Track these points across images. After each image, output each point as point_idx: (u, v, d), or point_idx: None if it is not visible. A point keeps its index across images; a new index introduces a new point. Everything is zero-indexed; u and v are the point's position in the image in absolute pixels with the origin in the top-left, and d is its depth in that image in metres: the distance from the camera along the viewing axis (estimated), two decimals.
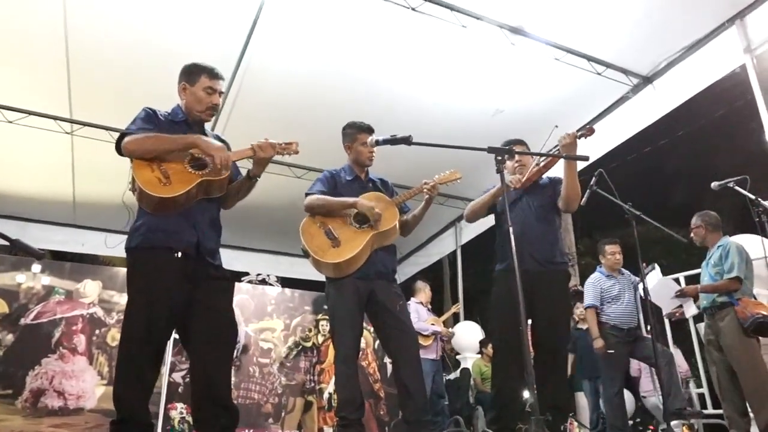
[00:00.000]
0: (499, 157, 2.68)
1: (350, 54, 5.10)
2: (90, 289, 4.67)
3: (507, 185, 3.11)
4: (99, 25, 4.61)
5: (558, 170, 3.45)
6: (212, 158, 2.37)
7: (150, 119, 2.45)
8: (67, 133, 5.80)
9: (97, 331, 4.62)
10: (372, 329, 4.80)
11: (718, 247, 4.15)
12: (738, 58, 4.86)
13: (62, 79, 5.17)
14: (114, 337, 4.64)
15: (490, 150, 2.69)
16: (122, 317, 4.79)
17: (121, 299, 4.80)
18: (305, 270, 9.08)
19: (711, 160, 13.93)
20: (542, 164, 3.39)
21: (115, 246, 6.85)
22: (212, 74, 2.57)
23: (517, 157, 3.47)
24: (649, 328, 4.97)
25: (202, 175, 2.36)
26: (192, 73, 2.57)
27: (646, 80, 5.53)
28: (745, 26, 4.79)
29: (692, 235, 4.36)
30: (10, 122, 5.51)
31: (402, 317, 3.08)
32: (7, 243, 1.85)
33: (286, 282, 8.55)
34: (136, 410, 2.18)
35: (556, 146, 3.20)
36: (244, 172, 2.64)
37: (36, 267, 4.63)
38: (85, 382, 4.38)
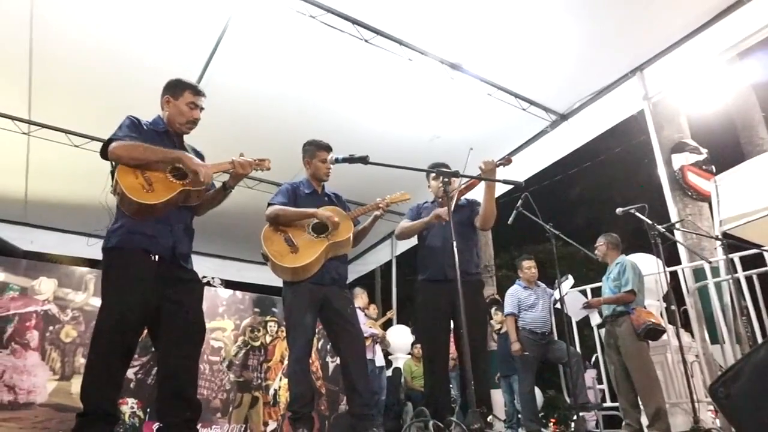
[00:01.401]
0: (446, 179, 2.76)
1: (305, 78, 5.11)
2: (45, 286, 4.37)
3: (439, 217, 3.23)
4: (65, 30, 4.38)
5: (478, 193, 3.58)
6: (196, 174, 2.32)
7: (135, 128, 2.38)
8: (24, 133, 5.45)
9: (50, 328, 4.33)
10: (319, 329, 4.77)
11: (617, 264, 4.42)
12: (638, 104, 5.27)
13: (23, 80, 4.87)
14: (68, 333, 4.36)
15: (438, 172, 2.78)
16: (77, 314, 4.59)
17: (77, 297, 4.54)
18: (252, 274, 8.97)
19: (610, 188, 14.82)
20: (463, 186, 3.52)
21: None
22: (196, 91, 2.54)
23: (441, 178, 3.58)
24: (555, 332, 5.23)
25: (183, 185, 2.31)
26: (176, 88, 2.52)
27: (563, 117, 5.88)
28: (644, 78, 5.21)
29: (596, 251, 4.63)
30: None
31: (352, 320, 3.09)
32: None
33: (233, 285, 8.33)
34: (103, 404, 2.08)
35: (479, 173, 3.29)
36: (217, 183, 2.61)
37: None
38: (36, 377, 4.09)
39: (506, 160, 3.25)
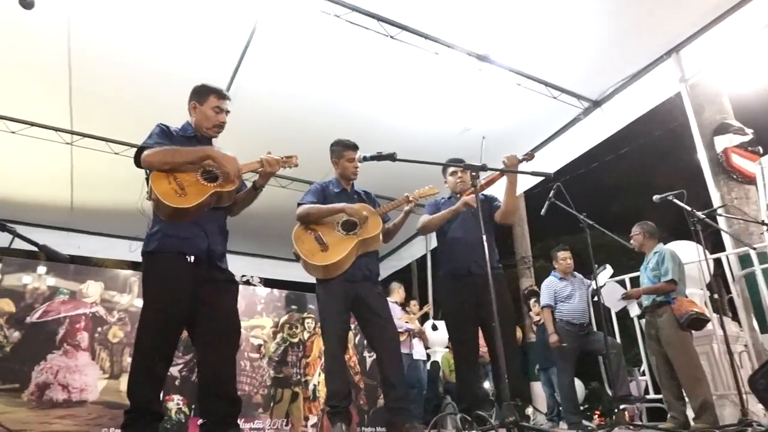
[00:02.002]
0: (474, 173, 2.76)
1: (333, 78, 5.16)
2: (92, 289, 4.59)
3: (468, 204, 3.22)
4: (100, 43, 4.56)
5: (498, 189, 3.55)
6: (225, 169, 2.38)
7: (165, 135, 2.46)
8: (67, 143, 5.69)
9: (99, 329, 4.54)
10: (354, 326, 4.84)
11: (655, 253, 4.31)
12: (674, 87, 5.09)
13: (64, 92, 5.10)
14: (115, 334, 4.58)
15: (466, 167, 2.77)
16: (122, 315, 4.79)
17: (122, 299, 4.75)
18: (287, 272, 9.12)
19: (649, 175, 14.37)
20: (484, 181, 3.50)
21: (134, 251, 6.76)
22: (220, 95, 2.61)
23: (459, 173, 3.57)
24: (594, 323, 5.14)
25: (214, 187, 2.39)
26: (201, 94, 2.59)
27: (596, 104, 5.74)
28: (680, 59, 5.03)
29: (632, 241, 4.52)
30: (13, 132, 5.39)
31: (385, 316, 3.13)
32: (34, 248, 1.85)
33: (268, 283, 8.51)
34: (148, 402, 2.19)
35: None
36: (248, 183, 2.68)
37: (41, 268, 4.54)
38: (87, 376, 4.31)
39: (529, 156, 3.21)
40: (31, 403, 4.21)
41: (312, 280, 3.28)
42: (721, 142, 5.56)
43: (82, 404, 4.28)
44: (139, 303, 4.89)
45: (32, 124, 5.40)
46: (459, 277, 3.37)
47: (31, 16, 4.05)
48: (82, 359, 4.40)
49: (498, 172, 3.21)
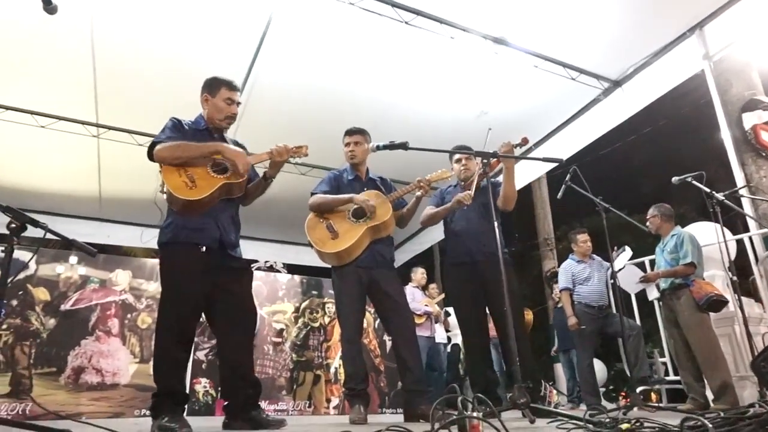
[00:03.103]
0: (485, 160, 2.79)
1: (348, 66, 5.18)
2: (121, 278, 4.79)
3: (460, 202, 3.25)
4: (123, 38, 4.69)
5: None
6: (234, 164, 2.47)
7: (177, 128, 2.54)
8: (93, 136, 5.88)
9: (128, 315, 4.75)
10: (373, 311, 4.93)
11: (673, 236, 4.27)
12: (698, 64, 4.96)
13: (89, 87, 5.25)
14: (144, 320, 4.78)
15: (477, 153, 2.81)
16: (150, 302, 4.99)
17: (149, 287, 4.94)
18: (309, 257, 9.25)
19: (673, 154, 14.05)
20: (482, 172, 3.50)
21: (149, 240, 7.03)
22: (231, 86, 2.67)
23: (463, 161, 3.59)
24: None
25: (224, 179, 2.46)
26: (213, 86, 2.66)
27: (616, 84, 5.64)
28: (704, 35, 4.89)
29: (648, 224, 4.48)
30: (42, 127, 5.59)
31: (399, 300, 3.20)
32: (58, 239, 1.96)
33: (292, 268, 8.69)
34: (172, 384, 2.31)
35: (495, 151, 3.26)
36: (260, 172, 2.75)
37: (73, 258, 4.75)
38: (119, 360, 4.52)
39: (523, 141, 3.22)
40: (68, 386, 4.46)
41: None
42: (750, 119, 5.44)
43: (115, 387, 4.50)
44: None
45: (60, 118, 5.59)
46: (465, 265, 3.41)
47: (57, 17, 4.19)
48: (114, 344, 4.61)
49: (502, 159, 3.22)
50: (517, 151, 3.22)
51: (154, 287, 4.96)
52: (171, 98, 5.30)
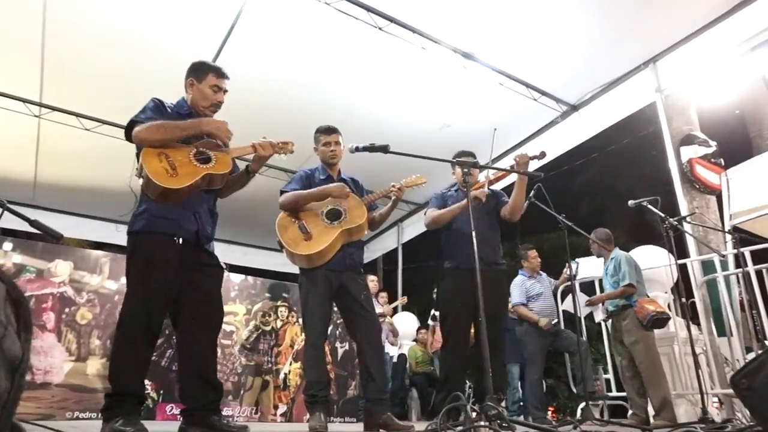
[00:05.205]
0: (466, 169, 2.78)
1: (318, 65, 5.11)
2: (61, 268, 4.40)
3: (477, 198, 3.25)
4: (78, 14, 4.38)
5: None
6: (219, 137, 2.37)
7: (158, 109, 2.38)
8: (35, 116, 5.46)
9: (66, 310, 4.37)
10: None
11: (611, 259, 4.45)
12: (650, 96, 5.26)
13: (36, 63, 4.87)
14: (83, 315, 4.41)
15: (473, 165, 2.80)
16: (92, 297, 4.63)
17: (92, 280, 4.57)
18: (257, 259, 9.02)
19: (616, 179, 14.81)
20: (494, 177, 3.54)
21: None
22: (219, 73, 2.53)
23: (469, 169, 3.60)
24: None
25: (207, 169, 2.32)
26: (199, 71, 2.51)
27: (573, 108, 5.88)
28: (657, 69, 5.19)
29: (591, 249, 4.67)
30: None
31: (367, 306, 3.11)
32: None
33: (238, 270, 8.39)
34: (131, 385, 2.13)
35: (512, 164, 3.32)
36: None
37: (7, 245, 4.32)
38: (53, 358, 4.14)
39: (541, 154, 3.26)
40: None
41: (288, 268, 3.24)
42: (687, 153, 5.78)
43: (45, 386, 4.12)
44: (110, 285, 4.74)
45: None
46: (465, 271, 3.38)
47: None
48: (48, 340, 4.22)
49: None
50: (533, 164, 3.25)
51: (97, 281, 4.60)
52: (127, 83, 5.02)
